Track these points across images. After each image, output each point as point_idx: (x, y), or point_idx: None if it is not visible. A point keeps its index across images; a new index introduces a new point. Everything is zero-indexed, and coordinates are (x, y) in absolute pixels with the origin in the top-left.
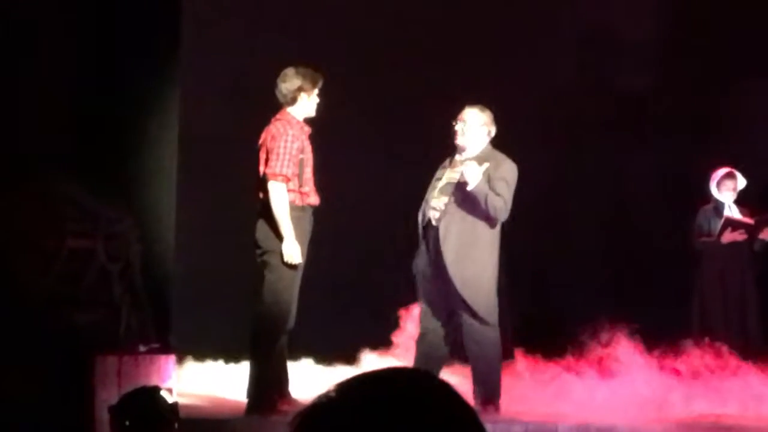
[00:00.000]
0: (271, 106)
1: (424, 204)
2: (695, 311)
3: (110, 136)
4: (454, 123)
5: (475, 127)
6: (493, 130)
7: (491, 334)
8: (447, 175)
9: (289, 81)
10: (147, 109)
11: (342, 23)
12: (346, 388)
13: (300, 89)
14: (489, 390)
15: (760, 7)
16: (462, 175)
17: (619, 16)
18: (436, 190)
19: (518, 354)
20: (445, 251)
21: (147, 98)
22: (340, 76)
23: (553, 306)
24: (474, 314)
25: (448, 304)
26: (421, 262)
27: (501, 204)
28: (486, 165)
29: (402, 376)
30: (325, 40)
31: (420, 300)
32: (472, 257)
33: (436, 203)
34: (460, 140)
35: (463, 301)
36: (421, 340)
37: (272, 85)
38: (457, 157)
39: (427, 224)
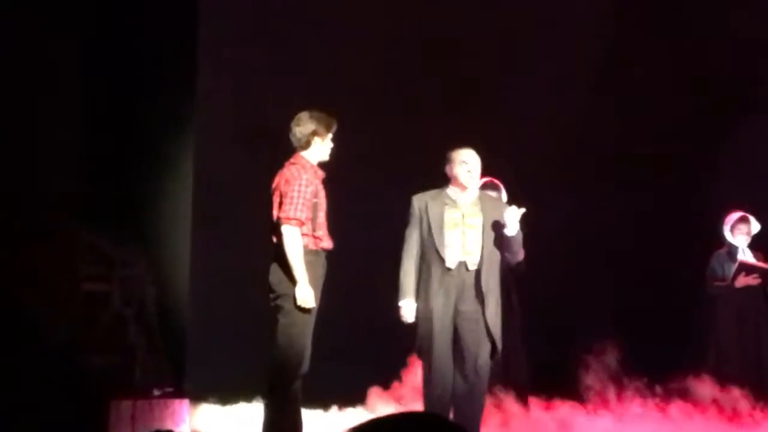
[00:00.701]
0: (286, 150)
1: (441, 247)
2: (711, 355)
3: (125, 180)
4: (463, 165)
5: (479, 170)
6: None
7: (488, 372)
8: (468, 222)
9: (303, 125)
10: (162, 154)
11: (355, 67)
12: None
13: (314, 133)
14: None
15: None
16: (501, 220)
17: (626, 54)
18: (466, 237)
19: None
20: (486, 294)
21: (162, 143)
22: (350, 117)
23: (563, 346)
24: (494, 353)
25: (464, 350)
26: (439, 307)
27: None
28: (522, 210)
29: (415, 420)
30: (337, 84)
31: (432, 342)
32: (498, 298)
33: (471, 248)
34: (470, 183)
35: (493, 343)
36: (434, 383)
37: (287, 131)
38: (458, 197)
39: (458, 267)
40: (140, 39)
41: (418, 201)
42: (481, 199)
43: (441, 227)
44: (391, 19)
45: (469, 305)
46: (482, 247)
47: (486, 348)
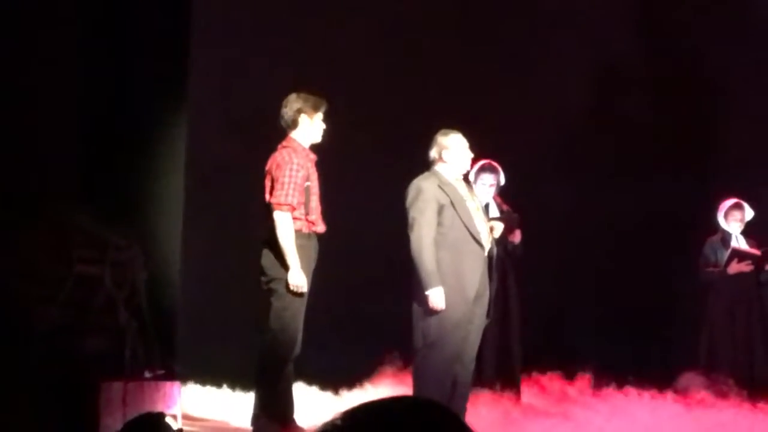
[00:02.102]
0: (278, 135)
1: (474, 231)
2: (704, 342)
3: (117, 163)
4: (466, 151)
5: None
6: None
7: None
8: (475, 204)
9: (290, 104)
10: (154, 137)
11: (350, 56)
12: (353, 415)
13: (300, 111)
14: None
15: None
16: (497, 228)
17: (623, 52)
18: (480, 219)
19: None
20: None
21: (154, 126)
22: (344, 105)
23: (559, 339)
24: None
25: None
26: (473, 289)
27: None
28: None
29: (408, 404)
30: (331, 70)
31: (455, 329)
32: None
33: (497, 231)
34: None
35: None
36: (443, 373)
37: (278, 115)
38: (450, 178)
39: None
40: (132, 31)
41: (429, 185)
42: (465, 182)
43: (469, 213)
44: (386, 10)
45: (485, 288)
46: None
47: (481, 332)
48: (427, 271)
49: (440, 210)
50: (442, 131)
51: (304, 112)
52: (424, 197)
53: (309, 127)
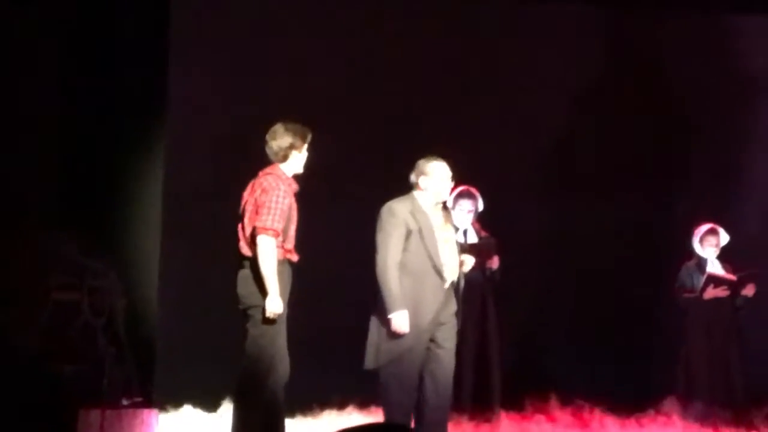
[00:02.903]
0: (256, 161)
1: (440, 263)
2: (681, 368)
3: (95, 189)
4: (446, 180)
5: None
6: None
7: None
8: (446, 235)
9: (280, 138)
10: (132, 164)
11: (328, 80)
12: None
13: (291, 147)
14: None
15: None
16: (467, 262)
17: (601, 76)
18: (448, 249)
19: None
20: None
21: (132, 152)
22: (321, 130)
23: (538, 364)
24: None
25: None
26: (429, 317)
27: None
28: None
29: (378, 429)
30: (310, 95)
31: (410, 354)
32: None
33: (455, 262)
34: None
35: (456, 347)
36: (404, 395)
37: (256, 141)
38: (425, 205)
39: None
40: (111, 50)
41: (401, 209)
42: (443, 210)
43: (435, 242)
44: (364, 28)
45: (449, 316)
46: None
47: (452, 355)
48: (391, 293)
49: (408, 235)
50: (426, 158)
51: (295, 148)
52: (393, 221)
53: (296, 160)
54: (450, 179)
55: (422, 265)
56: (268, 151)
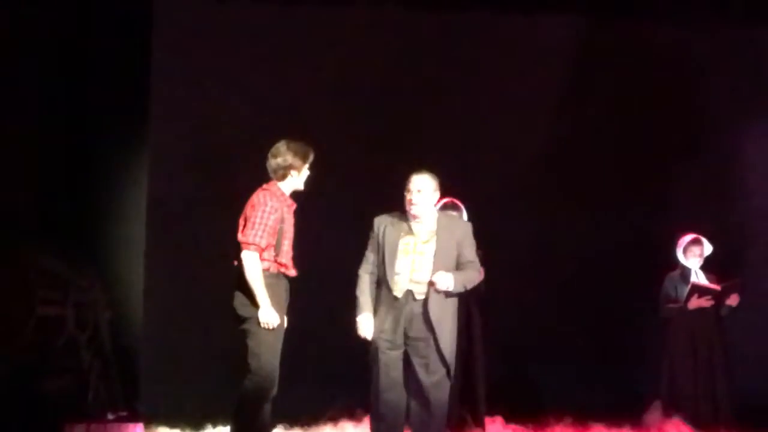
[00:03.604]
0: (241, 174)
1: (391, 275)
2: (665, 377)
3: (79, 204)
4: (407, 193)
5: (430, 195)
6: (438, 194)
7: (446, 396)
8: (418, 249)
9: (282, 157)
10: (116, 177)
11: (313, 95)
12: None
13: (290, 167)
14: None
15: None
16: (437, 282)
17: (585, 87)
18: (415, 264)
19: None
20: (436, 323)
21: (116, 166)
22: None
23: (524, 373)
24: (448, 372)
25: (415, 377)
26: (389, 334)
27: (477, 274)
28: (451, 276)
29: None
30: (294, 108)
31: (380, 368)
32: (452, 323)
33: (419, 277)
34: (418, 210)
35: (444, 363)
36: (383, 409)
37: (240, 152)
38: (413, 223)
39: (405, 296)
40: (93, 63)
41: (378, 222)
42: (439, 222)
43: (393, 254)
44: (349, 51)
45: (419, 333)
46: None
47: (440, 373)
48: (357, 299)
49: (378, 248)
50: (415, 171)
51: (295, 168)
52: (371, 232)
53: (296, 179)
54: (414, 190)
55: (381, 276)
56: (268, 167)
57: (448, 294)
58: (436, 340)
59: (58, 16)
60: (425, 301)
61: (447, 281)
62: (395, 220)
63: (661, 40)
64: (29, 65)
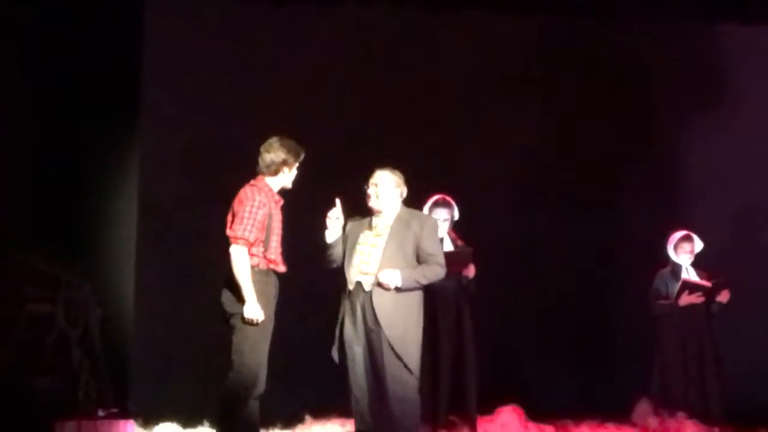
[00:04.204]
0: (229, 172)
1: (347, 267)
2: (656, 374)
3: (70, 201)
4: (366, 187)
5: (389, 190)
6: (405, 191)
7: (414, 392)
8: (371, 241)
9: (274, 152)
10: (107, 176)
11: (297, 92)
12: None
13: (284, 163)
14: None
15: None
16: (382, 279)
17: (577, 86)
18: (364, 256)
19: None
20: (381, 316)
21: (107, 165)
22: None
23: (514, 373)
24: (405, 366)
25: (375, 369)
26: (349, 326)
27: (437, 268)
28: (398, 273)
29: None
30: (279, 106)
31: (349, 365)
32: (404, 316)
33: (367, 268)
34: (375, 203)
35: (397, 355)
36: (357, 404)
37: (230, 152)
38: (374, 218)
39: (356, 288)
40: (84, 63)
41: (350, 221)
42: (398, 217)
43: (352, 247)
44: (332, 48)
45: (372, 325)
46: (378, 269)
47: (395, 366)
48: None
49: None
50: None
51: (287, 165)
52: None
53: (286, 176)
54: (372, 185)
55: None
56: (260, 161)
57: (399, 288)
58: (383, 332)
59: (48, 18)
60: (371, 293)
61: (393, 278)
62: (364, 218)
63: (645, 38)
64: (17, 67)
